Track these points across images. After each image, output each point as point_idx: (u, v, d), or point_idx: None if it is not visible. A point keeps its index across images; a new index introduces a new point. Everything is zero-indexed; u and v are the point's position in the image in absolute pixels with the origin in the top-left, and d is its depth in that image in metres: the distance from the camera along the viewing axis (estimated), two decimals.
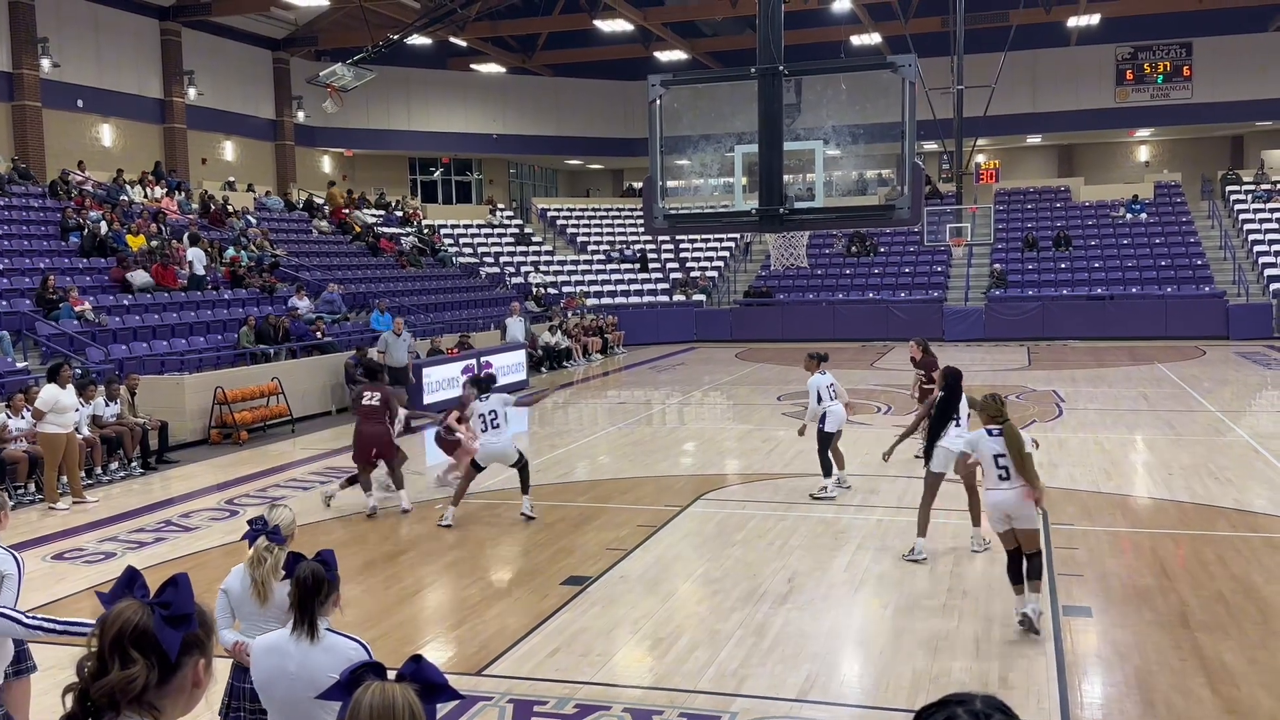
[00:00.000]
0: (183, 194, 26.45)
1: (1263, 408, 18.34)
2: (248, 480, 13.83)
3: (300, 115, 33.74)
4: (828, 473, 11.68)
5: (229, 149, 31.83)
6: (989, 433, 7.67)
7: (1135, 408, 17.95)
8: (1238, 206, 34.80)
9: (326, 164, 36.82)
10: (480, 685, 6.82)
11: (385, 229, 32.10)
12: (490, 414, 10.92)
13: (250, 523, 4.87)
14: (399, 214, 34.67)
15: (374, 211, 33.77)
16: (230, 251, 23.56)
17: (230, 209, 26.86)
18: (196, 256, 21.80)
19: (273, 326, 19.46)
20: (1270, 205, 34.12)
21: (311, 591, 3.77)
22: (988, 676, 6.78)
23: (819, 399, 11.54)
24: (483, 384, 11.47)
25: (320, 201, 31.91)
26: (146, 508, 12.38)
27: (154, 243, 21.54)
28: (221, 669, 5.00)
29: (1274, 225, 33.05)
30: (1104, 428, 16.04)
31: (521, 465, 11.15)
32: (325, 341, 20.40)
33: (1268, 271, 30.83)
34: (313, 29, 32.69)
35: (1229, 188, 36.10)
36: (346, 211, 31.52)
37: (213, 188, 28.51)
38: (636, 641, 7.61)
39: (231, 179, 30.18)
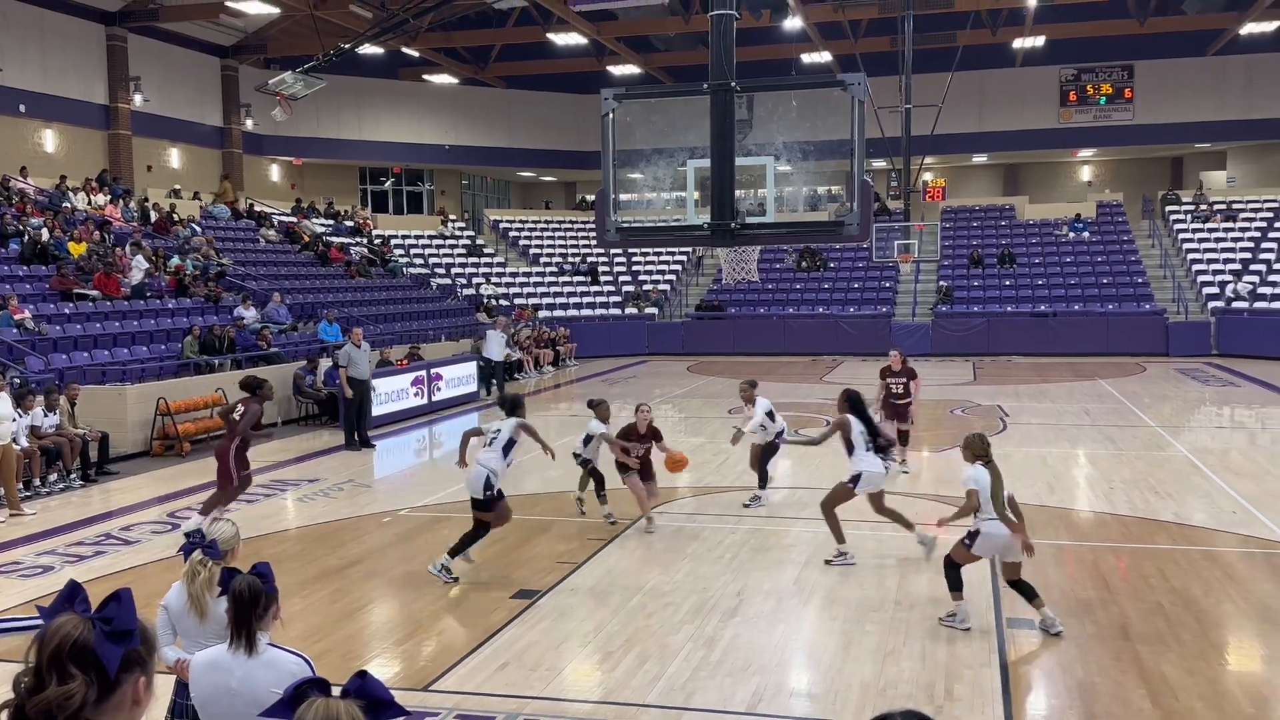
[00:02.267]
0: (127, 202, 26.00)
1: (1201, 423, 18.74)
2: (190, 493, 13.59)
3: (248, 123, 33.38)
4: (764, 484, 12.31)
5: (175, 156, 31.40)
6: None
7: (1077, 423, 18.26)
8: (1177, 226, 35.61)
9: (275, 172, 36.43)
10: (428, 701, 6.75)
11: (335, 239, 31.82)
12: (494, 430, 9.67)
13: (187, 535, 4.80)
14: (349, 224, 34.38)
15: (323, 221, 33.47)
16: (175, 260, 23.20)
17: (176, 217, 26.47)
18: (139, 265, 21.45)
19: (218, 337, 19.18)
20: (1209, 225, 34.95)
21: (248, 605, 3.71)
22: (934, 688, 6.84)
23: (771, 418, 12.04)
24: (504, 403, 10.20)
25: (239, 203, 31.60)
26: (86, 520, 12.12)
27: (96, 250, 21.16)
28: (164, 687, 4.91)
29: (1212, 245, 33.85)
30: (1047, 442, 16.30)
31: (481, 517, 9.42)
32: (272, 352, 20.15)
33: (1206, 290, 31.55)
34: (262, 37, 32.38)
35: (1169, 208, 36.94)
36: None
37: (158, 195, 28.08)
38: (586, 655, 7.59)
39: (177, 186, 29.76)
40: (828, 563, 9.61)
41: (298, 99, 22.57)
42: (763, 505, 12.10)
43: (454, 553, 9.29)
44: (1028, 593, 7.90)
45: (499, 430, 9.58)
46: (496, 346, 23.36)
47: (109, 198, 25.54)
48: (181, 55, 30.94)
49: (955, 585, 8.02)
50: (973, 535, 7.88)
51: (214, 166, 32.72)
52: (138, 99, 28.89)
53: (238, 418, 11.23)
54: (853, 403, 9.73)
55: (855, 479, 9.61)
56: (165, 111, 30.22)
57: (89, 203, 24.63)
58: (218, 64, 32.48)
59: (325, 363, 20.29)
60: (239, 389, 11.83)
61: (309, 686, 2.43)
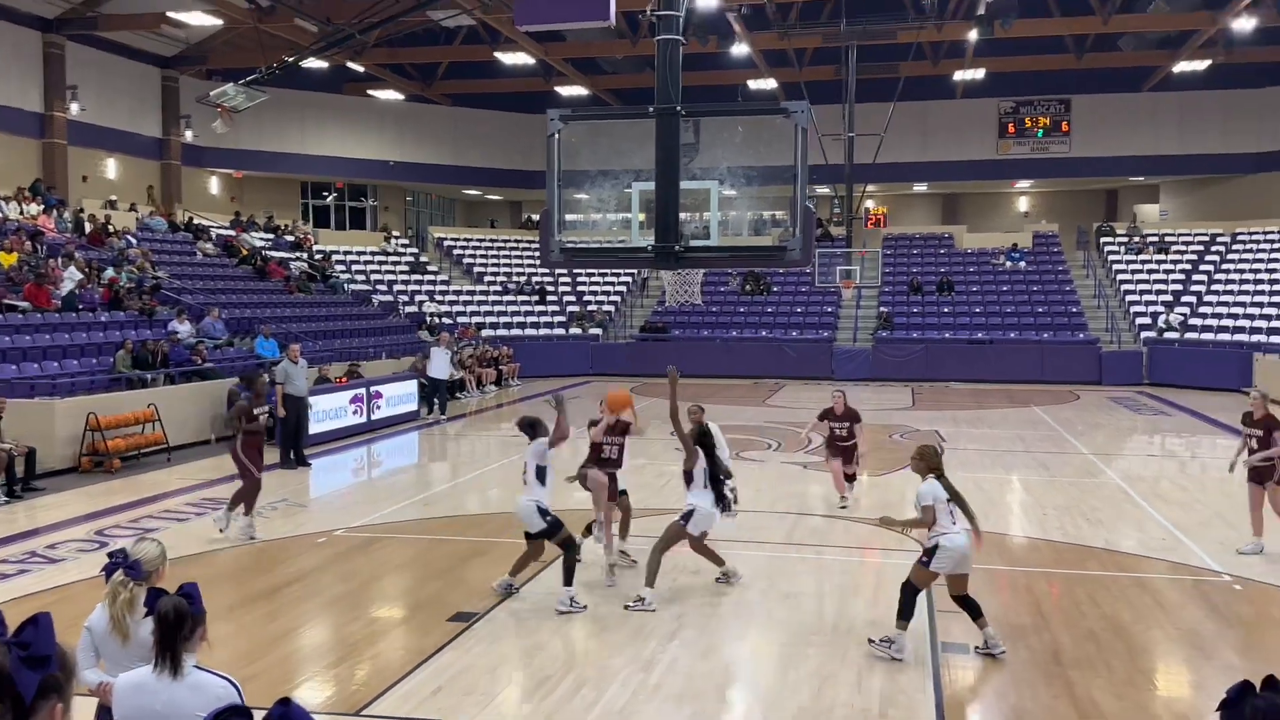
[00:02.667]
0: (61, 212, 25.44)
1: (1133, 451, 19.13)
2: (119, 510, 13.27)
3: (188, 135, 32.87)
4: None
5: (112, 167, 30.81)
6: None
7: (1012, 449, 18.54)
8: (1111, 257, 36.45)
9: (214, 185, 35.90)
10: None
11: (274, 253, 31.39)
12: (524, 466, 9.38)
13: (110, 555, 4.66)
14: (289, 238, 33.95)
15: (263, 235, 33.01)
16: (109, 272, 22.72)
17: (111, 229, 25.94)
18: (71, 276, 20.97)
19: (151, 351, 18.78)
20: (1142, 257, 35.82)
21: (174, 627, 3.62)
22: (869, 713, 6.86)
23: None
24: (524, 426, 9.72)
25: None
26: (10, 538, 11.76)
27: (27, 261, 20.65)
28: (86, 711, 4.76)
29: (1145, 276, 34.69)
30: (983, 468, 16.52)
31: (559, 540, 9.15)
32: (206, 367, 19.78)
33: (1139, 320, 32.30)
34: (204, 48, 31.96)
35: (1103, 239, 37.81)
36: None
37: (93, 206, 27.51)
38: (522, 680, 7.51)
39: (113, 197, 29.19)
40: (627, 608, 9.02)
41: (239, 111, 22.25)
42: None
43: (568, 581, 9.04)
44: (973, 610, 7.91)
45: (525, 464, 9.39)
46: (441, 364, 23.15)
47: (42, 207, 24.97)
48: (121, 64, 30.41)
49: (906, 613, 7.86)
50: (930, 552, 7.81)
51: (152, 178, 32.16)
52: (74, 108, 28.32)
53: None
54: (701, 437, 9.40)
55: (687, 516, 9.26)
56: (103, 121, 29.65)
57: (21, 212, 24.05)
58: (158, 74, 31.98)
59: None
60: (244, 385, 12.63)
61: (231, 714, 2.37)
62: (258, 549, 11.26)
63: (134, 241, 25.98)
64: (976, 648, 7.95)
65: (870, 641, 7.98)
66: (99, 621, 4.54)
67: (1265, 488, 10.70)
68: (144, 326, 20.69)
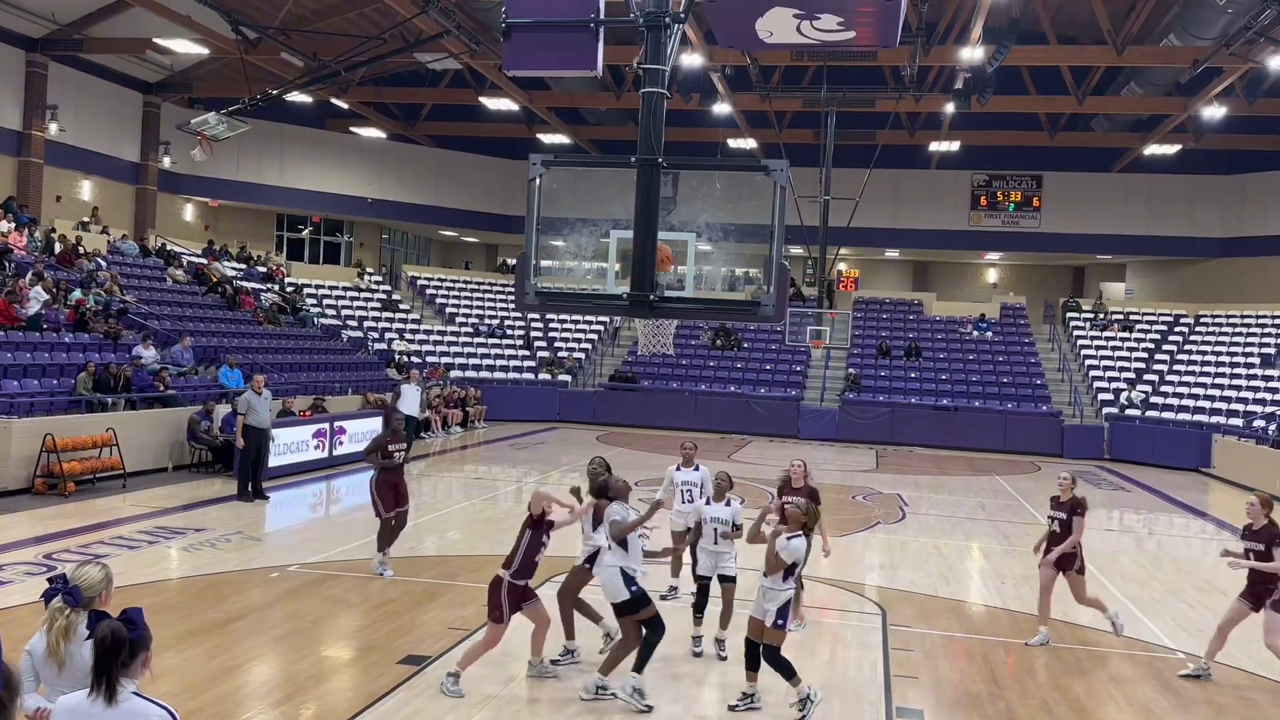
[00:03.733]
0: (33, 231, 25.19)
1: (1091, 524, 19.16)
2: (70, 535, 13.02)
3: (166, 161, 32.76)
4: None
5: (87, 189, 30.61)
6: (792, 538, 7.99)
7: (973, 516, 18.60)
8: (1076, 332, 36.95)
9: (189, 212, 35.74)
10: None
11: (245, 283, 31.21)
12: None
13: (50, 580, 4.56)
14: (261, 269, 33.77)
15: (235, 265, 32.82)
16: (76, 293, 22.48)
17: (82, 250, 25.70)
18: (37, 295, 20.73)
19: (113, 375, 18.55)
20: (1106, 334, 36.34)
21: (110, 652, 3.54)
22: None
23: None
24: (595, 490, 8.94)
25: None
26: None
27: None
28: None
29: (1109, 353, 35.16)
30: (943, 533, 16.56)
31: (644, 617, 8.00)
32: (169, 394, 19.55)
33: (1101, 396, 32.68)
34: (188, 76, 31.97)
35: (1069, 314, 38.35)
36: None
37: (65, 227, 27.27)
38: None
39: (86, 219, 28.96)
40: (554, 662, 8.68)
41: (219, 140, 22.21)
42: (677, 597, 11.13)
43: (639, 668, 7.97)
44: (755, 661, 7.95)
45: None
46: (412, 401, 23.04)
47: (13, 225, 24.73)
48: (103, 88, 30.33)
49: (790, 671, 7.80)
50: (782, 611, 7.84)
51: (127, 202, 31.96)
52: (53, 128, 28.17)
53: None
54: (599, 490, 8.77)
55: (591, 559, 8.72)
56: (81, 143, 29.50)
57: None
58: (140, 99, 31.91)
59: (222, 409, 19.76)
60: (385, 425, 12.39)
61: None
62: (208, 581, 11.05)
63: (104, 264, 25.76)
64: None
65: (798, 707, 7.76)
66: (39, 646, 4.44)
67: (1065, 575, 10.31)
68: (108, 350, 20.45)
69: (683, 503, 10.85)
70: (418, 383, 24.14)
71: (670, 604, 10.51)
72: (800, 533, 8.02)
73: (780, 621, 7.80)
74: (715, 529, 9.36)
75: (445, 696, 7.88)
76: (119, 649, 3.55)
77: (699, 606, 9.47)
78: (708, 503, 9.73)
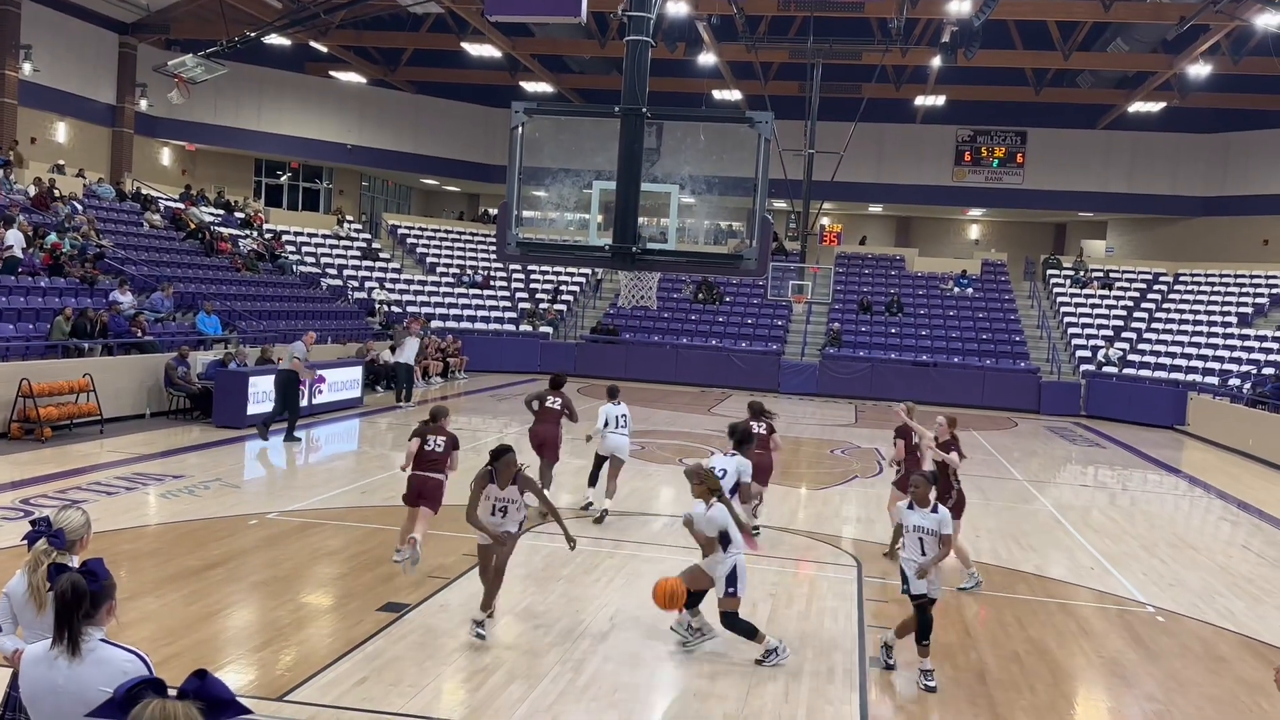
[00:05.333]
0: (8, 174, 24.81)
1: (1066, 480, 19.45)
2: (46, 480, 12.97)
3: (143, 103, 32.23)
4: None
5: (62, 131, 30.12)
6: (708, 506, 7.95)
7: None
8: (1056, 289, 37.10)
9: (166, 156, 35.26)
10: (281, 711, 6.53)
11: (223, 229, 30.89)
12: (720, 470, 9.25)
13: (33, 523, 4.54)
14: (239, 215, 33.43)
15: (212, 210, 32.46)
16: (52, 237, 22.20)
17: (57, 193, 25.35)
18: (15, 239, 20.46)
19: (90, 320, 18.38)
20: (1086, 291, 36.50)
21: (71, 605, 3.52)
22: None
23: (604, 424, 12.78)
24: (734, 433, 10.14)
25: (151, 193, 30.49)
26: None
27: None
28: (1, 678, 4.64)
29: (1088, 310, 35.34)
30: None
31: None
32: (146, 340, 19.40)
33: (1079, 353, 32.90)
34: (165, 17, 31.36)
35: (1050, 271, 38.47)
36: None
37: (40, 170, 26.86)
38: (451, 673, 7.44)
39: (61, 162, 28.53)
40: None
41: (197, 83, 21.95)
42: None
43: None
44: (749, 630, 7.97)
45: (724, 471, 9.33)
46: (411, 351, 23.05)
47: None
48: (78, 27, 29.74)
49: (750, 631, 7.93)
50: (730, 579, 7.88)
51: (103, 145, 31.49)
52: (27, 68, 27.64)
53: (557, 407, 12.86)
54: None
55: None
56: (55, 84, 28.97)
57: None
58: (116, 40, 31.32)
59: (201, 355, 19.65)
60: (549, 385, 13.18)
61: (144, 687, 2.30)
62: (187, 528, 11.04)
63: (79, 208, 25.43)
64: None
65: (760, 661, 7.91)
66: (17, 588, 4.43)
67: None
68: (84, 295, 20.25)
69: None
70: (416, 333, 24.16)
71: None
72: (714, 500, 7.92)
73: (731, 589, 7.86)
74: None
75: (423, 645, 7.94)
76: (79, 601, 3.53)
77: None
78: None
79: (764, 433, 11.79)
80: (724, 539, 7.87)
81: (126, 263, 23.46)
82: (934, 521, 7.83)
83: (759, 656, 7.96)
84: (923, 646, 7.79)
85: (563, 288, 37.36)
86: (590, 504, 13.02)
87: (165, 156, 35.19)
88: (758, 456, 11.09)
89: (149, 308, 21.06)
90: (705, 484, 7.96)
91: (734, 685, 7.51)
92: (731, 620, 7.92)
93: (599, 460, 12.95)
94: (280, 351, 18.22)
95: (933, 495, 7.97)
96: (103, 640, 3.57)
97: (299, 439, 17.45)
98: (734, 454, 9.99)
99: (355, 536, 11.19)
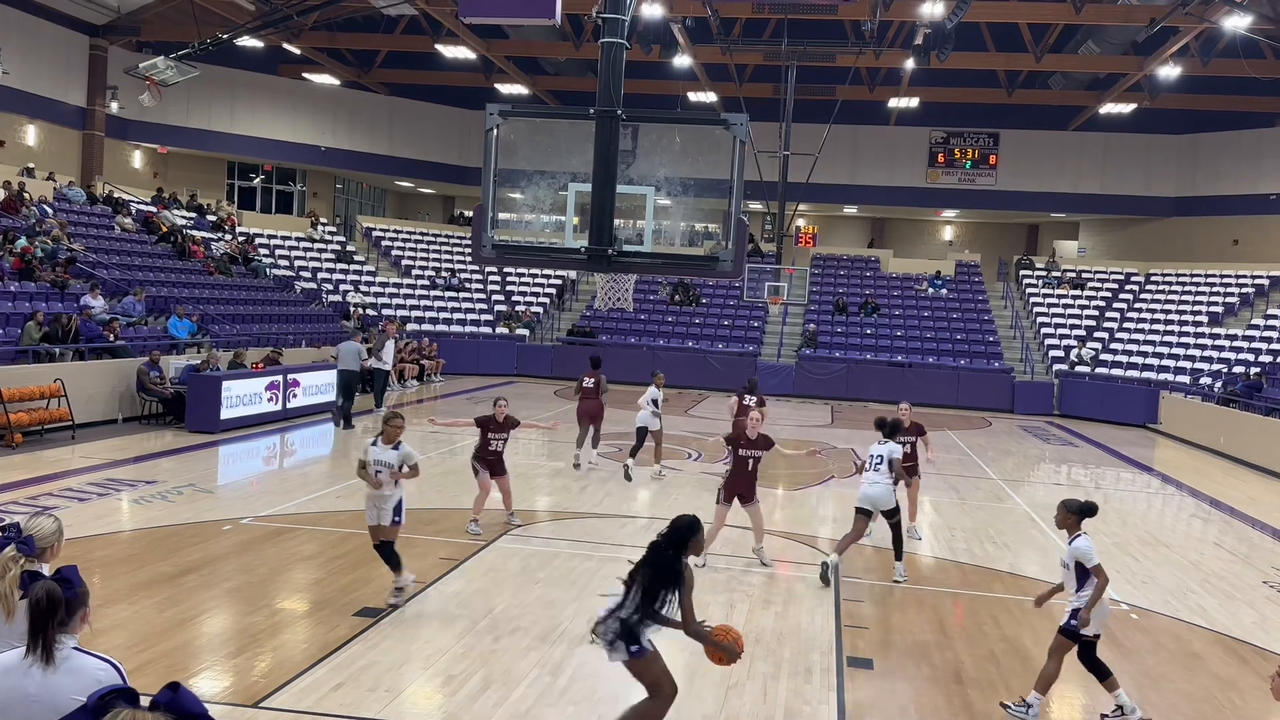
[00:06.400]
0: None
1: (1040, 479, 19.59)
2: (17, 486, 12.82)
3: (114, 106, 31.97)
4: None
5: (32, 134, 29.82)
6: None
7: (924, 471, 18.79)
8: (1029, 290, 37.37)
9: (138, 159, 34.97)
10: (257, 718, 6.48)
11: (196, 232, 30.66)
12: (876, 458, 10.89)
13: (2, 529, 4.48)
14: (212, 218, 33.19)
15: (185, 213, 32.22)
16: (22, 241, 21.97)
17: (27, 196, 25.09)
18: None
19: (62, 325, 18.20)
20: (1058, 291, 36.79)
21: (45, 613, 3.48)
22: None
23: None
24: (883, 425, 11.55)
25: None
26: None
27: None
28: None
29: (1061, 310, 35.62)
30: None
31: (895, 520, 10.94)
32: (118, 345, 19.22)
33: (1052, 353, 33.15)
34: (136, 19, 31.11)
35: (1023, 272, 38.76)
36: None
37: (9, 173, 26.57)
38: (427, 678, 7.41)
39: (31, 165, 28.24)
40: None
41: (168, 86, 21.77)
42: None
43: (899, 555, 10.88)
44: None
45: (880, 457, 10.72)
46: (389, 353, 22.95)
47: None
48: (47, 29, 29.45)
49: (397, 563, 9.07)
50: (397, 508, 9.09)
51: (73, 147, 31.19)
52: None
53: (594, 385, 16.50)
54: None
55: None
56: (25, 86, 28.68)
57: None
58: (86, 42, 31.03)
59: (173, 360, 19.49)
60: (590, 364, 16.99)
61: (115, 697, 2.28)
62: (160, 534, 10.95)
63: (50, 211, 25.18)
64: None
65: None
66: None
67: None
68: (55, 299, 20.05)
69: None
70: (393, 335, 24.06)
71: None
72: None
73: (397, 519, 8.97)
74: None
75: (400, 649, 7.90)
76: (54, 609, 3.49)
77: None
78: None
79: (752, 405, 14.23)
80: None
81: (98, 267, 23.25)
82: (1067, 554, 7.59)
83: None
84: (1108, 683, 7.49)
85: (539, 290, 37.30)
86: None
87: (137, 159, 34.91)
88: (738, 423, 12.27)
89: (121, 312, 20.88)
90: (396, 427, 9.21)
91: (711, 684, 7.52)
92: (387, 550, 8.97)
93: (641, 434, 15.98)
94: (341, 350, 20.62)
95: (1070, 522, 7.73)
96: (76, 649, 3.53)
97: (354, 427, 19.79)
98: (885, 442, 11.10)
99: (330, 541, 11.13)
